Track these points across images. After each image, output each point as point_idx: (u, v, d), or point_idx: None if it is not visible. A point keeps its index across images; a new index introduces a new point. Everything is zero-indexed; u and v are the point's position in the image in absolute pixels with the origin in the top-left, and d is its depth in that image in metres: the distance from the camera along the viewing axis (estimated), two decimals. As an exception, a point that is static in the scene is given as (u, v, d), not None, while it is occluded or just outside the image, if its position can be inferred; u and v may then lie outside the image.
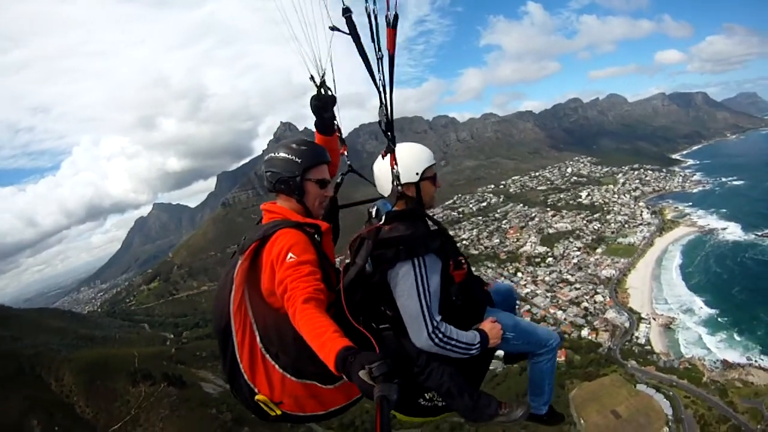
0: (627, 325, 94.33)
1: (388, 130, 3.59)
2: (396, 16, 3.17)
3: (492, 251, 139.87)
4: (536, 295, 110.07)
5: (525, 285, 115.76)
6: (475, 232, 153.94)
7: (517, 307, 4.75)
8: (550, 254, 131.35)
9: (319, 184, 3.50)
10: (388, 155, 3.62)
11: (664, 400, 68.08)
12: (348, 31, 3.21)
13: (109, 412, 63.77)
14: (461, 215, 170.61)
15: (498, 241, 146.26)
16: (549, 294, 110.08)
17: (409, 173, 3.65)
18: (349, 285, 3.22)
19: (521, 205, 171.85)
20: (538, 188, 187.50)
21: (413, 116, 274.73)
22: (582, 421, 66.56)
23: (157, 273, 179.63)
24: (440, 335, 3.28)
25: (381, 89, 3.43)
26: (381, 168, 3.73)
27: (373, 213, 3.66)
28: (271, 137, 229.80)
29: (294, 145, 3.50)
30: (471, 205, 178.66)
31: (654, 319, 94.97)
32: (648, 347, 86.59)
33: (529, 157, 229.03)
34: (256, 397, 3.14)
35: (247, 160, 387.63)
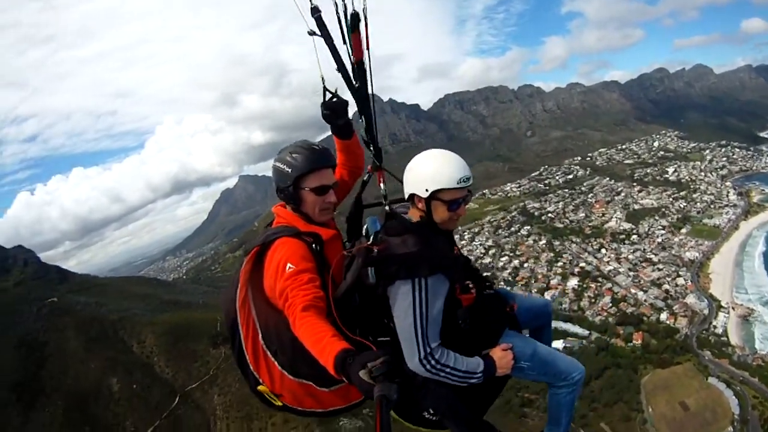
0: (706, 312, 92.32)
1: (372, 144, 3.74)
2: (356, 16, 2.99)
3: (577, 225, 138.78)
4: (618, 273, 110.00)
5: (608, 262, 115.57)
6: (561, 204, 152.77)
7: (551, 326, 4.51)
8: (634, 231, 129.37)
9: (316, 191, 3.48)
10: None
11: (733, 397, 67.29)
12: (320, 34, 3.06)
13: (188, 372, 66.49)
14: (548, 187, 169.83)
15: (583, 215, 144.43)
16: (631, 273, 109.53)
17: (419, 187, 3.40)
18: (341, 299, 3.23)
19: (607, 178, 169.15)
20: (625, 161, 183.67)
21: (498, 86, 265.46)
22: (650, 410, 67.43)
23: (243, 241, 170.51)
24: (433, 362, 3.17)
25: (357, 99, 3.46)
26: (406, 173, 3.52)
27: (363, 231, 3.61)
28: (355, 109, 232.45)
29: (288, 154, 3.51)
30: (558, 177, 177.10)
31: (733, 308, 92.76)
32: (724, 338, 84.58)
33: (615, 129, 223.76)
34: (259, 387, 3.43)
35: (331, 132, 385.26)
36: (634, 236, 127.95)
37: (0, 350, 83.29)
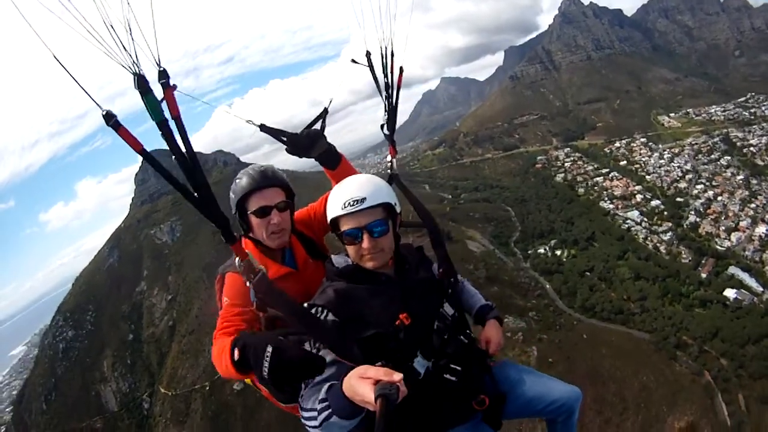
0: None
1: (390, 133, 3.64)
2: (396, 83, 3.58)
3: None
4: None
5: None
6: (764, 140, 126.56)
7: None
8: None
9: (256, 213, 3.11)
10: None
11: None
12: (367, 65, 3.56)
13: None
14: (753, 117, 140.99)
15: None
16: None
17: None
18: None
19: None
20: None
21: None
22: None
23: (443, 140, 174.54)
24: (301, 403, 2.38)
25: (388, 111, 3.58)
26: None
27: None
28: (556, 12, 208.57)
29: (234, 181, 3.21)
30: (764, 108, 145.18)
31: None
32: None
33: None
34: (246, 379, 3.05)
35: (533, 35, 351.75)
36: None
37: (198, 237, 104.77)
